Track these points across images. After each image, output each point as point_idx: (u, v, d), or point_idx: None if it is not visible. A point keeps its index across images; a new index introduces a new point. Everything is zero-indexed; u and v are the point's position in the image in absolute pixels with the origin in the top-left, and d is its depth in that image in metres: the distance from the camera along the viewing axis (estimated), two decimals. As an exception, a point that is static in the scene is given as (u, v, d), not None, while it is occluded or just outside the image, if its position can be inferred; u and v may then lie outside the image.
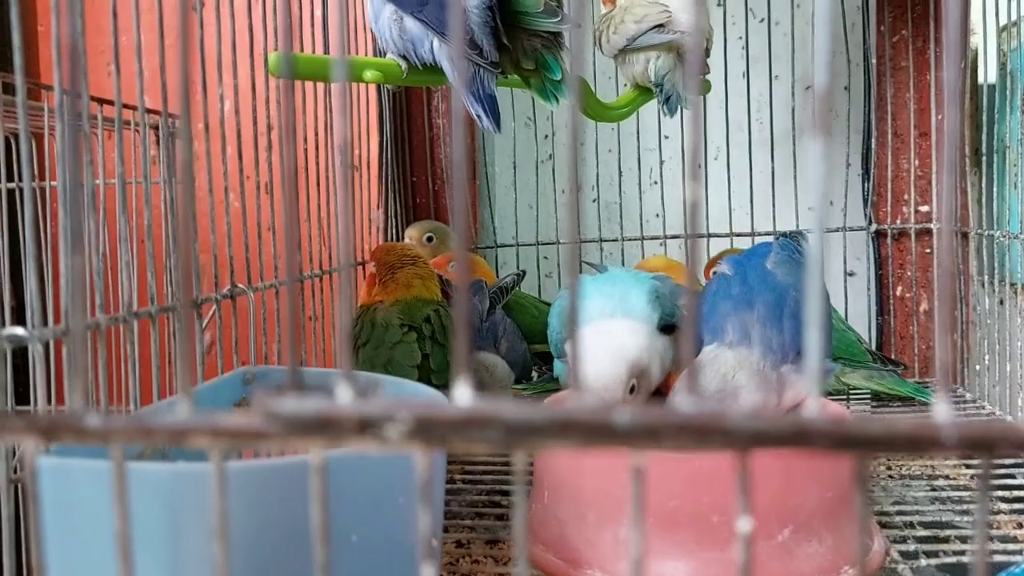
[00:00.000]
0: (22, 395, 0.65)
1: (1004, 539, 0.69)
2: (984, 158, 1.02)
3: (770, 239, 1.19)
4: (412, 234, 1.18)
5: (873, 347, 1.25)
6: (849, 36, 1.27)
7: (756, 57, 1.30)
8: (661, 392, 0.74)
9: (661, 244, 1.28)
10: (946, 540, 0.68)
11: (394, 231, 1.23)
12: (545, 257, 1.34)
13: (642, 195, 1.30)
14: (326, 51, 0.91)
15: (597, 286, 0.75)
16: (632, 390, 0.68)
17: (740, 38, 1.30)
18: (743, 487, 0.23)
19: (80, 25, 0.54)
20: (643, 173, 1.31)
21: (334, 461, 0.24)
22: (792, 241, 0.79)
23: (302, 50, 0.87)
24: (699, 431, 0.22)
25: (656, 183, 1.34)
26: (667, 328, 0.74)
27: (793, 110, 1.29)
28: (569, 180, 0.25)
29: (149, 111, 0.72)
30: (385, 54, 0.79)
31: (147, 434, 0.24)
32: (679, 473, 0.57)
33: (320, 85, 0.90)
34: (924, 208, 1.27)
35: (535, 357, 1.01)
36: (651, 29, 0.90)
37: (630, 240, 1.29)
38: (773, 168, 1.26)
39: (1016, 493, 0.76)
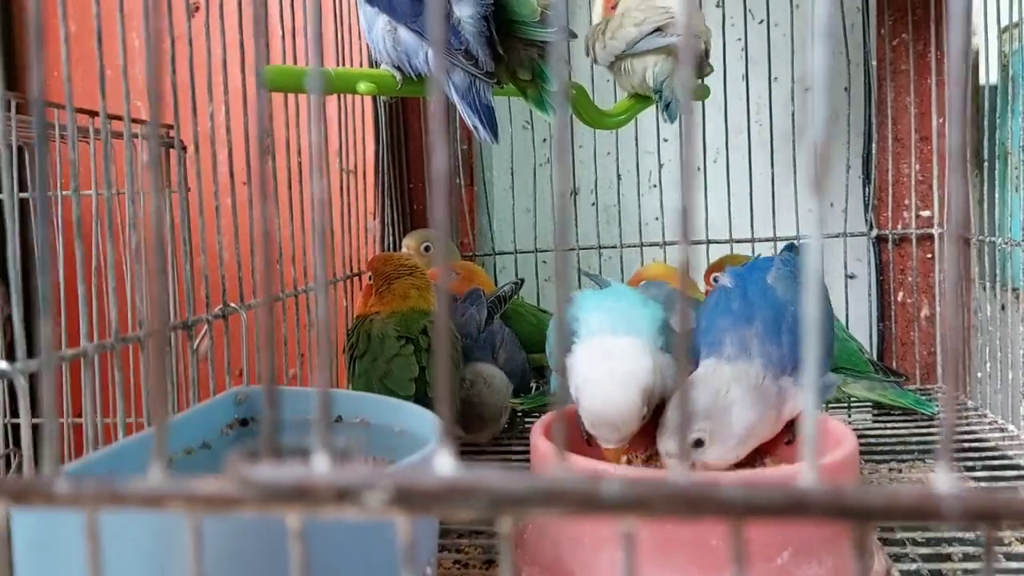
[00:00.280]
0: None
1: (1010, 556, 0.68)
2: (985, 163, 1.01)
3: (770, 246, 1.19)
4: (410, 243, 1.16)
5: (874, 353, 1.24)
6: (849, 36, 1.25)
7: (755, 59, 1.29)
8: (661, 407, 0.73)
9: (660, 249, 1.27)
10: (948, 558, 0.67)
11: (391, 239, 1.22)
12: (544, 262, 1.33)
13: (640, 198, 1.29)
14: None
15: (598, 301, 0.73)
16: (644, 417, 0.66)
17: (739, 40, 1.29)
18: (738, 556, 0.22)
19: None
20: (641, 176, 1.30)
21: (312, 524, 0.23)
22: (795, 256, 0.78)
23: (283, 62, 0.86)
24: (691, 502, 0.21)
25: (655, 186, 1.33)
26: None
27: (793, 112, 1.28)
28: (558, 197, 0.24)
29: (135, 120, 0.71)
30: (379, 65, 0.78)
31: (119, 499, 0.23)
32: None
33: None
34: (925, 213, 1.26)
35: (533, 371, 0.99)
36: (651, 33, 0.89)
37: (629, 247, 1.28)
38: (773, 170, 1.25)
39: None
